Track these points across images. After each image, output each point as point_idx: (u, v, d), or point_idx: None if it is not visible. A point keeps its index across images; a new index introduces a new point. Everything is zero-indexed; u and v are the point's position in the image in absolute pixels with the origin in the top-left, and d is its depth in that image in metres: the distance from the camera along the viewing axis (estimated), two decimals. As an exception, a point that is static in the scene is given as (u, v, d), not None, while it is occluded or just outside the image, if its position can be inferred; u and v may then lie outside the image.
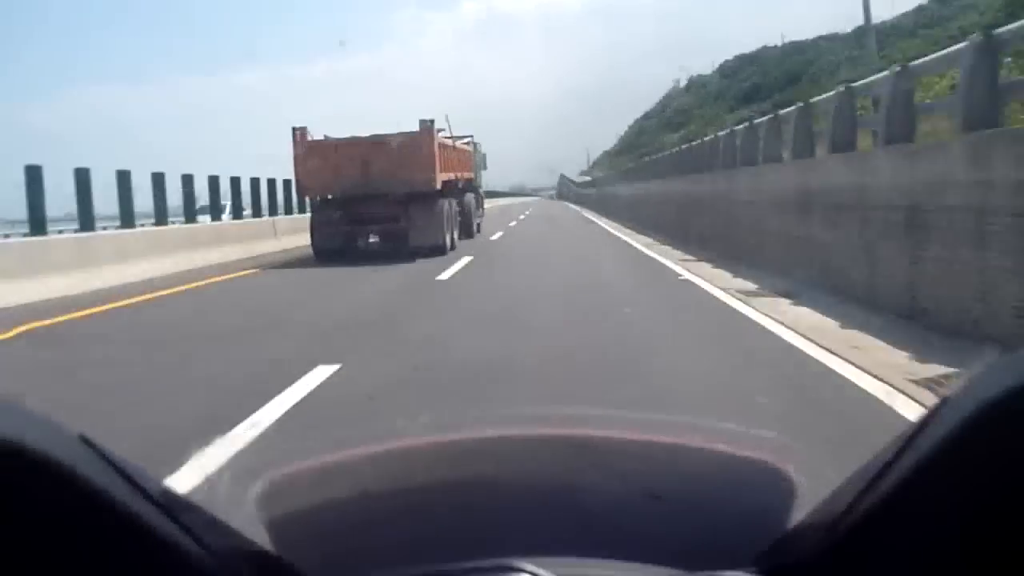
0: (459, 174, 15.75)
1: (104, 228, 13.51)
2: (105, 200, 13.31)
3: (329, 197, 13.51)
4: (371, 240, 13.98)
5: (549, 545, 0.64)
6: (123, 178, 14.06)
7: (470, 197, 17.22)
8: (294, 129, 13.07)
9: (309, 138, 13.15)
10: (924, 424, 0.43)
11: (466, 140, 17.71)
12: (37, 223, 11.70)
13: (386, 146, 13.10)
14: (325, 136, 13.56)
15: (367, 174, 12.94)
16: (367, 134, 13.35)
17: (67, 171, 12.62)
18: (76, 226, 12.79)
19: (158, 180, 14.79)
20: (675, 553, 0.62)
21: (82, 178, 13.11)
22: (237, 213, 17.36)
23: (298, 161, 13.10)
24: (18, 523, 0.37)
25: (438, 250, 13.09)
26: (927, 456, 0.42)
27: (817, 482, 0.64)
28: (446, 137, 14.85)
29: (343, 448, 0.94)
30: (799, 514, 0.61)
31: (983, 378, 0.40)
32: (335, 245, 13.02)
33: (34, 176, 11.75)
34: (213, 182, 16.03)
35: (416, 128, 13.15)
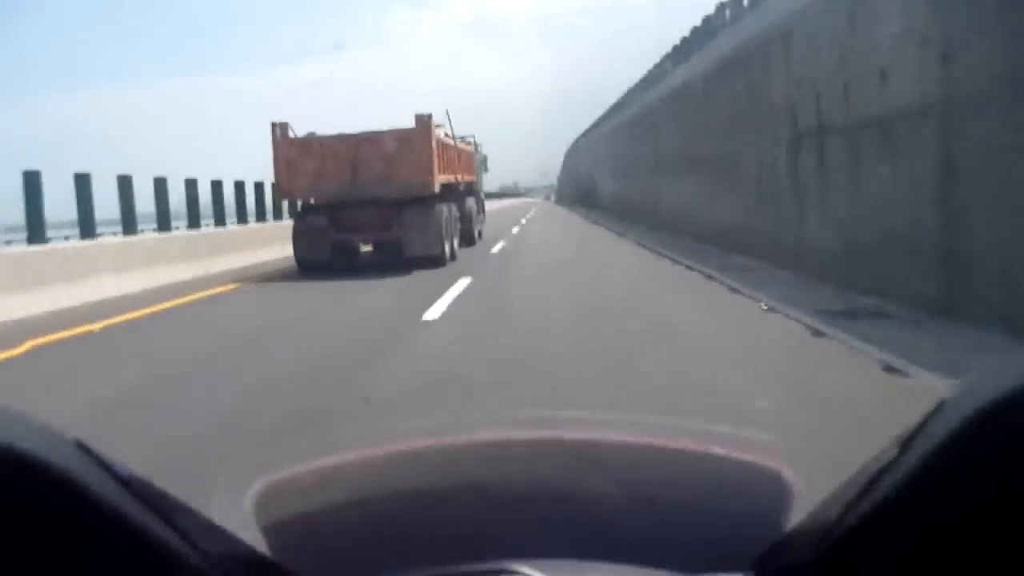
0: (459, 176, 14.05)
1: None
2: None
3: (313, 202, 12.07)
4: (364, 249, 12.55)
5: (546, 548, 0.63)
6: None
7: (471, 202, 15.49)
8: (274, 124, 11.64)
9: (291, 135, 11.77)
10: (921, 427, 0.43)
11: (467, 139, 16.05)
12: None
13: (378, 144, 11.52)
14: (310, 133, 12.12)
15: (356, 176, 11.45)
16: (356, 131, 11.82)
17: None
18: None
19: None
20: (673, 556, 0.62)
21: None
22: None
23: (278, 161, 11.64)
24: (12, 527, 0.37)
25: (435, 261, 11.48)
26: (924, 459, 0.41)
27: (813, 485, 0.64)
28: (446, 135, 13.22)
29: (339, 451, 0.97)
30: (796, 517, 0.60)
31: (979, 382, 0.40)
32: (320, 256, 11.51)
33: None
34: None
35: (411, 124, 11.57)
